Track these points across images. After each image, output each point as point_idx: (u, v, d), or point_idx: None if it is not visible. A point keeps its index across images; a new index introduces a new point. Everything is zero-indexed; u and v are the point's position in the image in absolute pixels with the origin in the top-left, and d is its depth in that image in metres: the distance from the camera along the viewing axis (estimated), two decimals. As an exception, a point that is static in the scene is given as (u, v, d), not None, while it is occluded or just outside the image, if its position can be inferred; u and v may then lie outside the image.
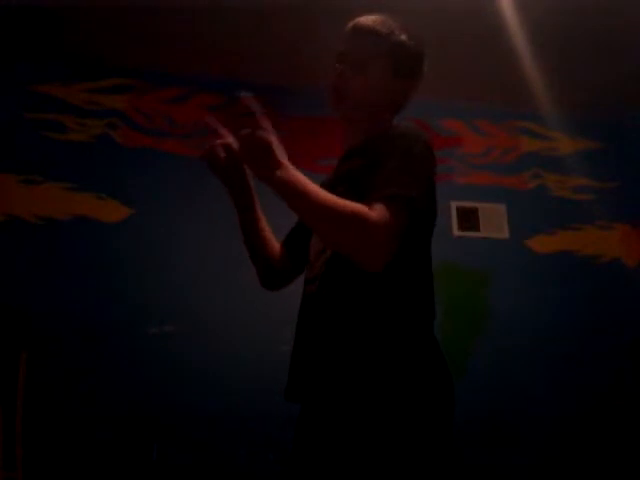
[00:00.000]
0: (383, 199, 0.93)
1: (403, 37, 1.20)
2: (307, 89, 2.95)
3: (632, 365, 3.10)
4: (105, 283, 2.75)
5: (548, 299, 3.15)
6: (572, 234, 3.36)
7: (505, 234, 3.27)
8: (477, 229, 3.25)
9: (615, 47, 2.88)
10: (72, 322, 2.65)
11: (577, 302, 3.18)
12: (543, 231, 3.32)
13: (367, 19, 1.20)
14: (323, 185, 1.08)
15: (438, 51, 2.93)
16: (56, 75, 3.04)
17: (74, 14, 2.71)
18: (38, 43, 2.94)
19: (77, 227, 2.83)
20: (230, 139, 1.17)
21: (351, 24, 1.18)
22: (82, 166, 2.93)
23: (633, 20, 2.67)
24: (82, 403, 2.55)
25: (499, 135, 3.49)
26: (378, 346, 0.99)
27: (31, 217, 2.80)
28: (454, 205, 3.26)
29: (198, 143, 3.07)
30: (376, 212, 0.92)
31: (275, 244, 1.29)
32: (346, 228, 0.92)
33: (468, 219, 3.25)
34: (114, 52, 3.01)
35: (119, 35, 2.88)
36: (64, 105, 3.01)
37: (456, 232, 3.21)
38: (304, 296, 1.14)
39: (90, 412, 2.55)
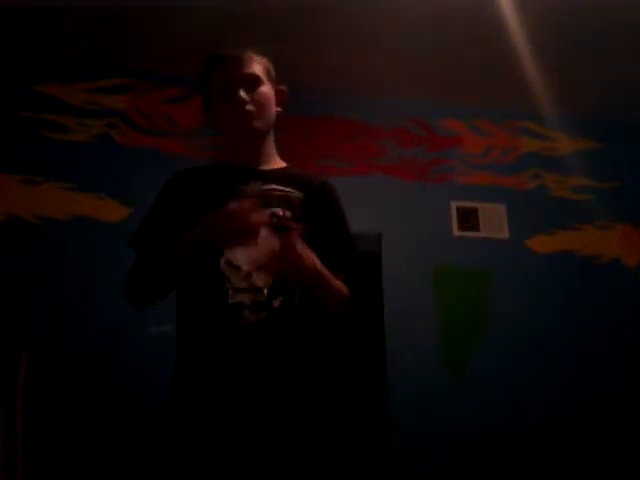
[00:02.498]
0: (346, 274, 1.25)
1: (267, 60, 1.35)
2: (307, 89, 2.96)
3: (632, 365, 3.10)
4: (105, 283, 2.75)
5: (548, 299, 3.16)
6: (572, 234, 3.36)
7: (505, 234, 3.27)
8: (477, 229, 3.25)
9: (615, 47, 2.88)
10: (72, 322, 2.65)
11: (577, 302, 3.18)
12: (543, 231, 3.32)
13: (237, 50, 1.31)
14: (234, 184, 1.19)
15: (438, 51, 2.96)
16: (56, 75, 3.04)
17: (74, 14, 2.71)
18: (38, 43, 2.94)
19: (77, 227, 2.82)
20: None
21: (230, 55, 1.28)
22: (82, 166, 2.93)
23: (633, 20, 2.67)
24: (82, 403, 2.55)
25: (499, 135, 3.49)
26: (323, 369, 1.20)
27: (31, 217, 2.80)
28: (454, 205, 3.26)
29: (198, 143, 3.08)
30: (346, 288, 1.24)
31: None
32: (342, 303, 1.24)
33: (468, 219, 3.25)
34: (114, 52, 3.01)
35: (119, 35, 2.88)
36: (64, 105, 3.01)
37: (456, 232, 3.21)
38: (243, 321, 1.10)
39: (90, 412, 2.55)
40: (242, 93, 1.21)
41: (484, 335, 3.03)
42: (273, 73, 1.32)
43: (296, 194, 1.22)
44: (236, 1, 2.61)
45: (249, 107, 1.21)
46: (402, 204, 3.16)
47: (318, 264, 1.13)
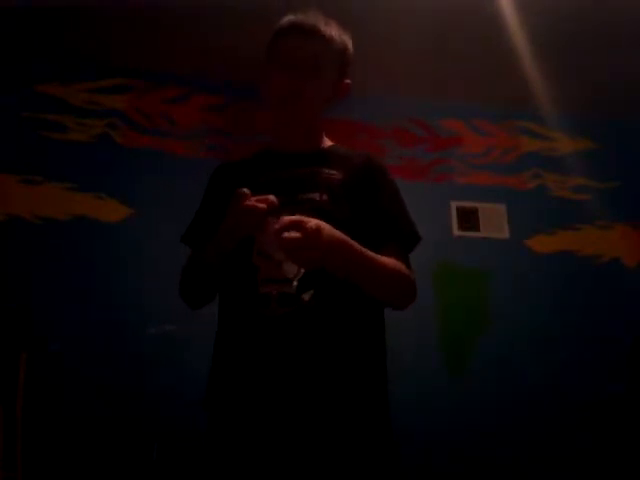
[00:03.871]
0: (405, 253, 1.12)
1: (348, 41, 1.22)
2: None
3: (632, 365, 3.10)
4: (105, 283, 2.75)
5: (548, 299, 3.16)
6: (572, 234, 3.36)
7: (505, 234, 3.27)
8: (477, 229, 3.25)
9: (615, 47, 2.88)
10: (72, 322, 2.65)
11: (577, 302, 3.18)
12: (543, 231, 3.32)
13: (315, 22, 1.16)
14: (265, 179, 1.12)
15: (438, 51, 2.96)
16: (56, 75, 3.04)
17: (74, 14, 2.71)
18: (38, 43, 2.94)
19: (77, 227, 2.82)
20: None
21: (301, 27, 1.14)
22: (82, 166, 2.93)
23: (633, 20, 2.67)
24: (82, 403, 2.55)
25: (499, 135, 3.49)
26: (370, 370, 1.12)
27: (31, 217, 2.80)
28: (454, 205, 3.26)
29: (198, 143, 3.08)
30: (408, 269, 1.10)
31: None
32: (396, 288, 1.09)
33: (468, 219, 3.25)
34: (114, 52, 3.01)
35: (119, 35, 2.88)
36: (64, 105, 3.01)
37: (456, 232, 3.21)
38: (269, 314, 1.03)
39: (90, 412, 2.55)
40: (299, 70, 1.11)
41: (484, 335, 3.03)
42: (348, 58, 1.21)
43: (335, 174, 1.12)
44: (236, 1, 2.61)
45: (299, 85, 1.12)
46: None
47: (348, 241, 0.98)
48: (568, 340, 3.09)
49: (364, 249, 1.01)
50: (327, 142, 1.25)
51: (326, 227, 0.95)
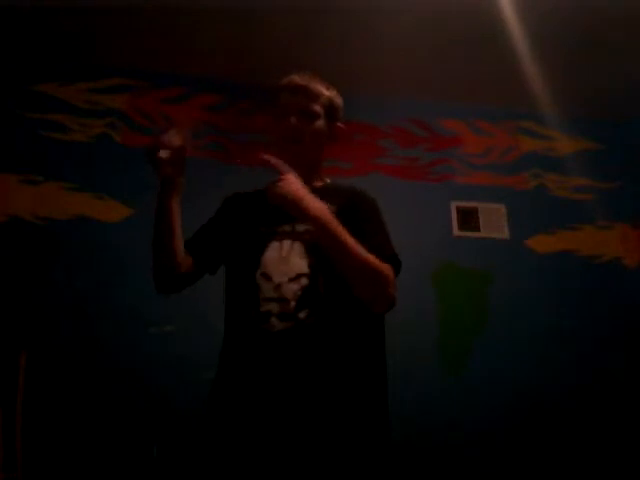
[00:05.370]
0: (387, 260, 1.21)
1: (336, 94, 1.44)
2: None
3: (631, 365, 3.10)
4: (105, 283, 2.75)
5: (548, 299, 3.16)
6: (572, 234, 3.36)
7: (505, 234, 3.27)
8: (477, 229, 3.25)
9: (615, 47, 2.88)
10: (72, 322, 2.65)
11: (577, 302, 3.18)
12: (543, 231, 3.32)
13: (311, 80, 1.39)
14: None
15: (438, 51, 2.96)
16: (56, 75, 3.04)
17: (74, 14, 2.71)
18: (38, 43, 2.94)
19: (77, 227, 2.82)
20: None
21: (300, 85, 1.37)
22: (82, 166, 2.93)
23: (633, 20, 2.67)
24: (82, 403, 2.55)
25: (499, 135, 3.49)
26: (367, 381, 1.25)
27: (31, 217, 2.80)
28: (454, 205, 3.26)
29: (198, 143, 3.08)
30: (389, 272, 1.20)
31: (181, 243, 1.33)
32: (377, 282, 1.18)
33: (468, 219, 3.25)
34: (114, 52, 3.01)
35: (119, 35, 2.88)
36: (64, 105, 3.01)
37: (456, 232, 3.21)
38: (270, 329, 1.18)
39: (90, 412, 2.55)
40: (294, 120, 1.32)
41: (484, 335, 3.03)
42: (337, 107, 1.42)
43: (330, 208, 1.26)
44: (236, 1, 2.61)
45: (297, 130, 1.32)
46: (402, 204, 3.16)
47: (330, 216, 1.16)
48: (568, 340, 3.09)
49: (348, 235, 1.16)
50: (324, 180, 1.45)
51: (315, 202, 1.16)
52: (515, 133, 3.51)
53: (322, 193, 1.31)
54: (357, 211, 1.31)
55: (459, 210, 3.26)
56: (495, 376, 2.94)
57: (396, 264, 1.25)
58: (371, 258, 1.16)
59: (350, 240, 1.15)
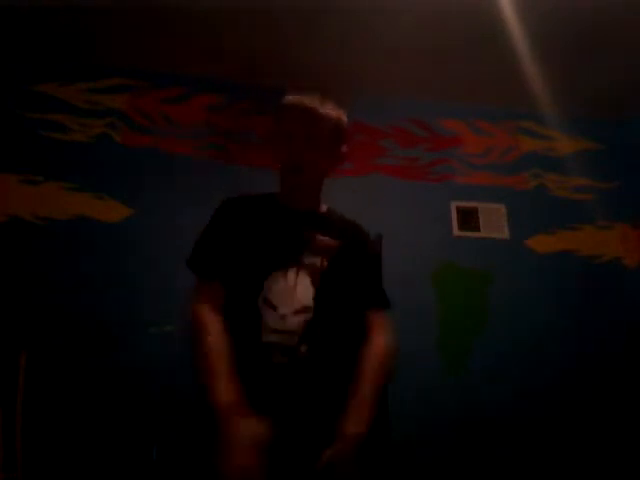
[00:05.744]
0: (380, 318, 1.38)
1: (342, 115, 1.41)
2: (307, 89, 2.95)
3: (631, 365, 3.10)
4: (105, 283, 2.75)
5: (548, 299, 3.16)
6: (572, 234, 3.36)
7: (505, 234, 3.27)
8: (477, 229, 3.25)
9: (615, 47, 2.88)
10: (72, 322, 2.65)
11: (577, 302, 3.18)
12: (543, 231, 3.32)
13: (319, 103, 1.37)
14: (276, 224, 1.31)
15: (438, 51, 2.96)
16: (56, 75, 3.04)
17: (74, 14, 2.71)
18: (38, 43, 2.95)
19: (77, 227, 2.82)
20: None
21: (308, 108, 1.34)
22: (82, 166, 2.93)
23: (633, 20, 2.67)
24: (82, 403, 2.55)
25: (499, 135, 3.49)
26: None
27: (31, 217, 2.80)
28: (454, 205, 3.26)
29: (198, 143, 3.08)
30: (383, 336, 1.35)
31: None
32: (388, 372, 1.31)
33: (468, 219, 3.25)
34: (114, 52, 3.01)
35: (119, 35, 2.88)
36: (64, 105, 3.01)
37: (456, 232, 3.21)
38: (273, 361, 1.19)
39: (90, 412, 2.55)
40: (298, 147, 1.30)
41: (484, 335, 3.03)
42: (343, 130, 1.39)
43: (332, 242, 1.34)
44: (236, 1, 2.61)
45: (300, 159, 1.30)
46: (402, 204, 3.16)
47: (367, 422, 1.19)
48: (568, 340, 3.09)
49: (362, 391, 1.22)
50: (323, 206, 1.44)
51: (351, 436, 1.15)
52: (515, 133, 3.51)
53: (326, 222, 1.39)
54: (359, 252, 1.37)
55: (459, 210, 3.26)
56: (495, 376, 2.94)
57: (387, 304, 1.39)
58: (381, 366, 1.29)
59: (374, 391, 1.23)
